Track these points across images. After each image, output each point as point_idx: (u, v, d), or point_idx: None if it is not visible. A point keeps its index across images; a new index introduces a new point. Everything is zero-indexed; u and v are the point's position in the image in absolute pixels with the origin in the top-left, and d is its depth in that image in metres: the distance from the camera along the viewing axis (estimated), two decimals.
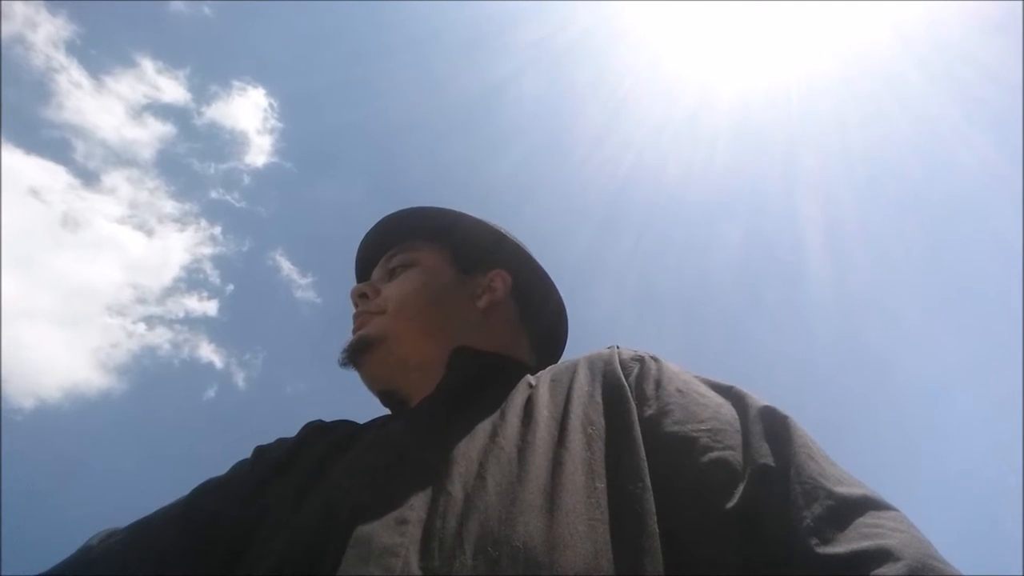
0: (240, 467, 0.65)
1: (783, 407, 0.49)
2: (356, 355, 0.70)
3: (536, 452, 0.47)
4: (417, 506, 0.44)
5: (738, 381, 0.54)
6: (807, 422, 0.48)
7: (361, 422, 0.69)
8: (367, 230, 0.82)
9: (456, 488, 0.45)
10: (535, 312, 0.79)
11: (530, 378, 0.59)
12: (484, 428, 0.51)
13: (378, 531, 0.42)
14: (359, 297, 0.74)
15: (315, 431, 0.67)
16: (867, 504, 0.41)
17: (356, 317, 0.73)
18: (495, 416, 0.53)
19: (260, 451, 0.66)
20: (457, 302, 0.73)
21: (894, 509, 0.41)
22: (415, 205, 0.79)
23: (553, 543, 0.39)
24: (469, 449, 0.49)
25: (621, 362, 0.58)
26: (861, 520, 0.39)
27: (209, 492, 0.61)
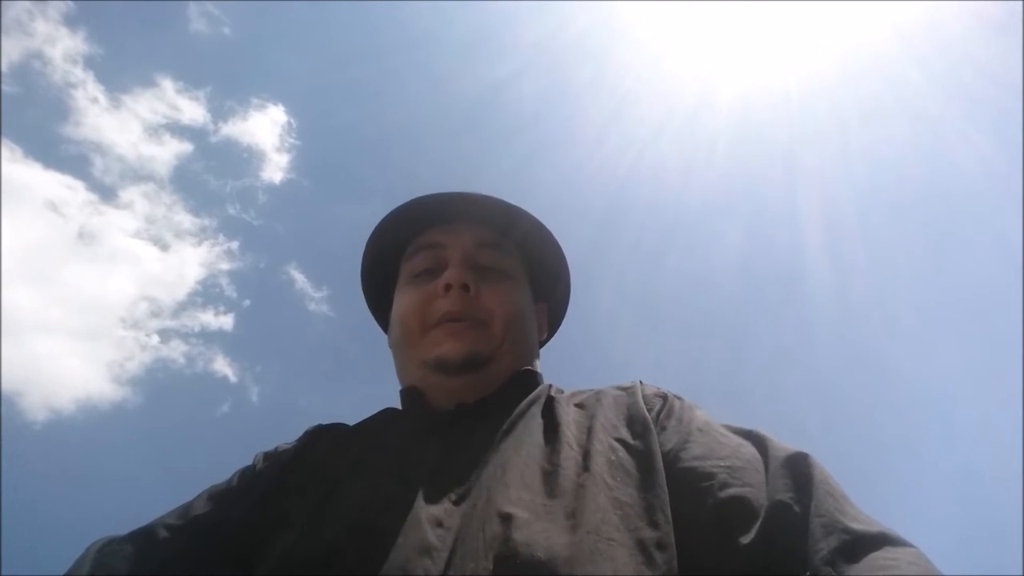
0: (242, 474, 0.65)
1: (804, 448, 0.50)
2: (464, 369, 0.65)
3: (561, 473, 0.49)
4: (450, 511, 0.47)
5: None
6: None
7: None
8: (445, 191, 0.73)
9: (483, 497, 0.47)
10: (546, 341, 0.84)
11: (556, 399, 0.61)
12: (513, 444, 0.54)
13: (416, 532, 0.44)
14: (461, 287, 0.67)
15: (316, 435, 0.67)
16: (884, 540, 0.41)
17: (454, 315, 0.67)
18: (525, 434, 0.55)
19: (263, 458, 0.66)
20: (533, 330, 0.77)
21: (911, 546, 0.42)
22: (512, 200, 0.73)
23: (574, 558, 0.41)
24: (498, 462, 0.51)
25: (644, 397, 0.60)
26: (877, 554, 0.40)
27: (211, 499, 0.61)
